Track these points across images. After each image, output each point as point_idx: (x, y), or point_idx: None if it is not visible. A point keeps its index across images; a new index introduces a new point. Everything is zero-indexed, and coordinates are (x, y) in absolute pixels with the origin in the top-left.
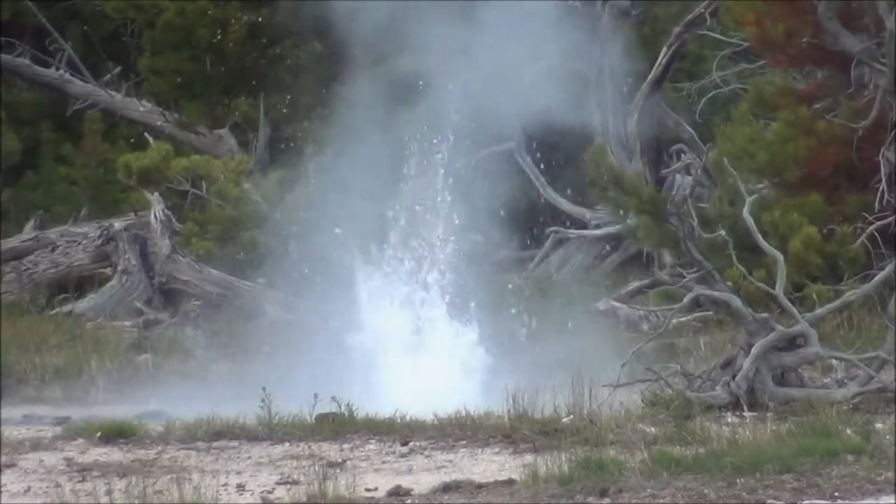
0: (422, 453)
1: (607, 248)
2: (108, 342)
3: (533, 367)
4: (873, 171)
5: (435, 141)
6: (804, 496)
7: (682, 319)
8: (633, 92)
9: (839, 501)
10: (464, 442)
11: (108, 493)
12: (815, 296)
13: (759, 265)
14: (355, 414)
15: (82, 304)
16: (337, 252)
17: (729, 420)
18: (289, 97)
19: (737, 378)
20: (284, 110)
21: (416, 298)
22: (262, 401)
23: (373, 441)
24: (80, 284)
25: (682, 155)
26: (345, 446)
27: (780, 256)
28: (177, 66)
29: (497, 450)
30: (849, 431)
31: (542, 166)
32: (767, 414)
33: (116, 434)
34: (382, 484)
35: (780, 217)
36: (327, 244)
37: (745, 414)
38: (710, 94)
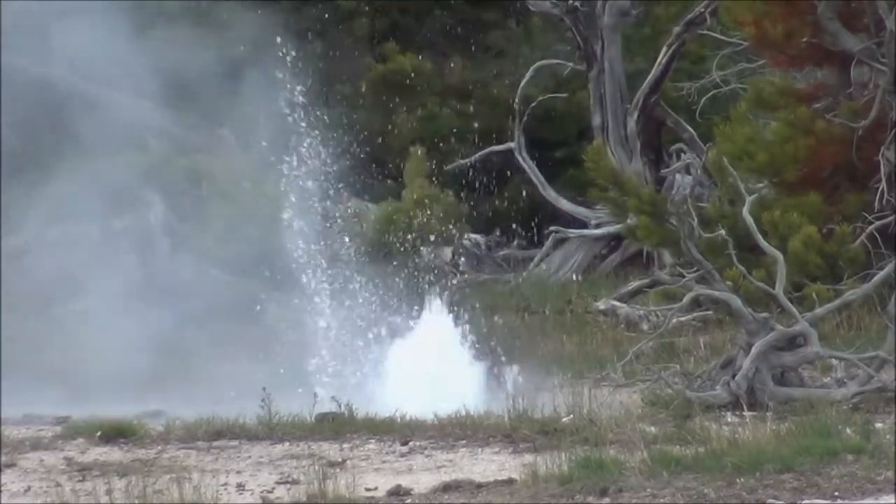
0: (422, 453)
1: (607, 248)
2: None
3: (533, 367)
4: (873, 171)
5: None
6: (804, 496)
7: (682, 319)
8: (633, 92)
9: (839, 501)
10: (464, 442)
11: (108, 492)
12: (815, 296)
13: (759, 265)
14: (355, 414)
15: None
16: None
17: (729, 420)
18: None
19: (737, 378)
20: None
21: (415, 297)
22: (262, 401)
23: (373, 441)
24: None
25: (682, 155)
26: (345, 446)
27: (779, 256)
28: None
29: (497, 449)
30: (849, 431)
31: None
32: (767, 413)
33: (116, 434)
34: (382, 483)
35: (780, 217)
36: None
37: (745, 413)
38: (710, 94)
